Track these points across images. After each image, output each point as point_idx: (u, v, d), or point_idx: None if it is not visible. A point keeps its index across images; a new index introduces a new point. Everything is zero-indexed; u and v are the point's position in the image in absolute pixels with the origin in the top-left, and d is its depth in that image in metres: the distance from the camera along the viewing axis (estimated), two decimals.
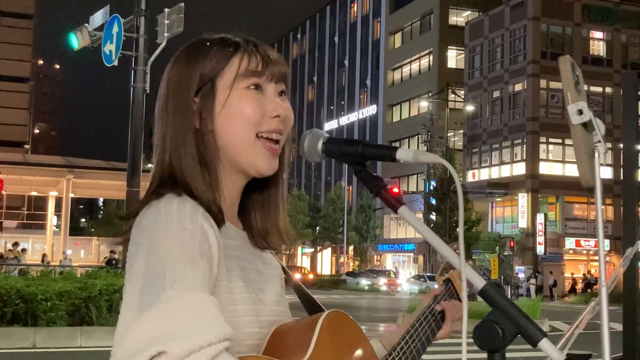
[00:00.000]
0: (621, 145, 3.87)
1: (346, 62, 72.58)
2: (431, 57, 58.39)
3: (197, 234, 1.08)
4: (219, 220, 1.15)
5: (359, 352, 1.25)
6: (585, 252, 45.68)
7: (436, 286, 1.66)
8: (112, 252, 27.89)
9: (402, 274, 50.34)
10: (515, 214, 45.67)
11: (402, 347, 1.44)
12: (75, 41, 16.19)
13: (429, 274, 43.13)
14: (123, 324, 1.09)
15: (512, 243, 41.25)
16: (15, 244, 27.61)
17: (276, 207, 1.31)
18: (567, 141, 42.05)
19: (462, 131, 52.13)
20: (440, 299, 1.59)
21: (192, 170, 1.18)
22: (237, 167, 1.23)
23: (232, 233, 1.21)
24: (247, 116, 1.20)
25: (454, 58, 57.43)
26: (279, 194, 1.31)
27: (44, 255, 31.43)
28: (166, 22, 15.18)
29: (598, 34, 47.54)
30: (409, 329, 1.48)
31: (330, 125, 72.31)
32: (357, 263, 57.69)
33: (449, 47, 57.02)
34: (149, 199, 1.15)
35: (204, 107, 1.20)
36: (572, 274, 44.58)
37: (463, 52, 53.67)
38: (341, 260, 62.05)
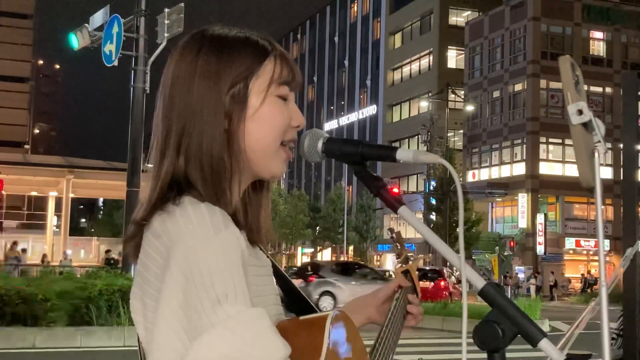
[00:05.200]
0: (621, 145, 3.88)
1: (346, 62, 72.60)
2: (431, 57, 58.40)
3: (234, 242, 1.05)
4: (240, 227, 1.12)
5: (358, 351, 1.26)
6: (585, 252, 45.70)
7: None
8: (107, 251, 27.91)
9: None
10: (515, 214, 45.67)
11: (383, 339, 1.46)
12: (75, 41, 16.20)
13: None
14: (169, 343, 1.02)
15: (512, 243, 41.25)
16: (15, 244, 27.60)
17: (260, 207, 1.29)
18: (567, 141, 42.05)
19: (462, 131, 52.14)
20: (406, 291, 1.62)
21: (217, 172, 1.14)
22: (251, 171, 1.21)
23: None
24: (278, 125, 1.19)
25: (454, 58, 57.43)
26: (264, 195, 1.30)
27: (44, 256, 31.45)
28: (166, 22, 15.18)
29: (598, 34, 47.55)
30: (387, 322, 1.50)
31: (330, 125, 72.32)
32: None
33: (449, 47, 57.03)
34: (164, 203, 1.11)
35: (234, 108, 1.16)
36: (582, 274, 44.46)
37: (463, 52, 53.68)
38: (341, 260, 62.03)
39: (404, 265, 1.70)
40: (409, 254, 1.72)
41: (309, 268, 24.78)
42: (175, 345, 1.01)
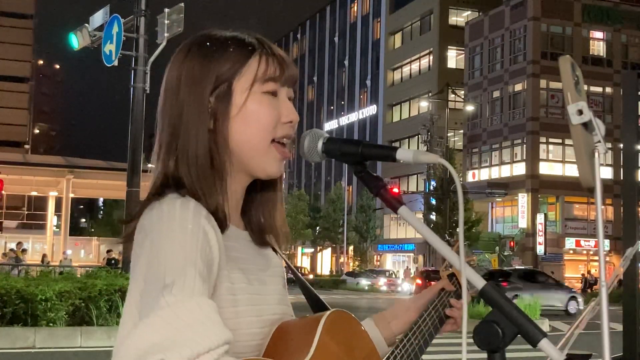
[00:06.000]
0: (621, 145, 3.87)
1: (346, 62, 72.59)
2: (431, 57, 58.40)
3: (199, 236, 1.07)
4: (223, 225, 1.14)
5: (361, 352, 1.25)
6: (585, 252, 45.68)
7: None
8: (109, 251, 27.92)
9: (401, 274, 50.31)
10: (515, 214, 45.66)
11: (405, 345, 1.43)
12: (75, 41, 16.19)
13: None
14: (125, 328, 1.09)
15: (512, 243, 41.24)
16: (19, 244, 27.64)
17: (274, 205, 1.30)
18: (567, 141, 42.05)
19: (462, 131, 52.13)
20: (448, 295, 1.58)
21: (203, 172, 1.16)
22: (245, 169, 1.22)
23: (234, 234, 1.20)
24: (264, 123, 1.20)
25: (454, 58, 57.43)
26: (277, 193, 1.31)
27: (44, 256, 31.45)
28: (166, 22, 15.17)
29: (598, 34, 47.55)
30: (413, 326, 1.47)
31: (330, 125, 72.32)
32: (357, 263, 57.70)
33: (449, 47, 57.03)
34: (150, 201, 1.14)
35: (219, 108, 1.18)
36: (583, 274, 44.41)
37: (463, 52, 53.67)
38: (341, 260, 62.05)
39: (450, 268, 1.63)
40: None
41: (499, 275, 28.12)
42: (130, 329, 1.04)
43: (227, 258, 1.14)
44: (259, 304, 1.21)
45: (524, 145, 45.69)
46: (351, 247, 58.96)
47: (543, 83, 45.31)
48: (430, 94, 55.15)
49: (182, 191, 1.14)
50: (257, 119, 1.19)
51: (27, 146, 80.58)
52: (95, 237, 51.48)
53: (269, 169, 1.22)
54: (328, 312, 1.20)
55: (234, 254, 1.18)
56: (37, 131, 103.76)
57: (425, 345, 1.47)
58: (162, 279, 1.02)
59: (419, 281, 31.80)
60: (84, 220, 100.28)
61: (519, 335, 1.05)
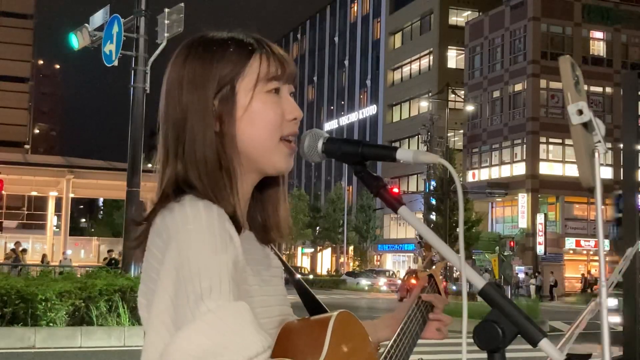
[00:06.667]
0: (621, 145, 3.87)
1: (346, 62, 72.58)
2: (431, 57, 58.39)
3: (226, 239, 1.07)
4: (239, 227, 1.14)
5: (363, 352, 1.26)
6: (585, 252, 45.68)
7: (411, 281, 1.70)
8: (109, 251, 27.92)
9: (402, 274, 50.33)
10: (515, 214, 45.65)
11: (398, 344, 1.46)
12: (75, 41, 16.19)
13: None
14: (158, 335, 1.07)
15: (512, 243, 41.19)
16: (17, 244, 27.63)
17: (279, 201, 1.30)
18: (567, 141, 42.04)
19: (462, 131, 52.12)
20: (426, 292, 1.61)
21: (214, 175, 1.16)
22: (254, 168, 1.22)
23: (245, 236, 1.20)
24: (270, 121, 1.20)
25: (454, 58, 57.42)
26: (280, 190, 1.31)
27: (44, 256, 31.45)
28: (166, 22, 15.17)
29: (598, 34, 47.54)
30: (402, 325, 1.49)
31: (330, 125, 72.31)
32: (357, 263, 57.69)
33: (449, 47, 57.02)
34: (166, 202, 1.13)
35: (224, 110, 1.18)
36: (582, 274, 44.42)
37: (463, 52, 53.66)
38: (341, 260, 62.04)
39: (427, 270, 1.67)
40: (433, 257, 1.70)
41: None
42: (164, 336, 1.04)
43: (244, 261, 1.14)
44: (268, 305, 1.21)
45: (524, 145, 45.69)
46: (351, 247, 58.95)
47: (543, 83, 45.31)
48: (430, 94, 55.13)
49: (196, 192, 1.13)
50: (263, 119, 1.19)
51: (27, 146, 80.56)
52: (95, 237, 51.44)
53: (279, 165, 1.22)
54: (336, 313, 1.20)
55: (247, 256, 1.18)
56: (37, 131, 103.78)
57: (414, 344, 1.50)
58: (198, 283, 1.01)
59: (413, 281, 31.64)
60: (84, 220, 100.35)
61: (519, 335, 1.05)
